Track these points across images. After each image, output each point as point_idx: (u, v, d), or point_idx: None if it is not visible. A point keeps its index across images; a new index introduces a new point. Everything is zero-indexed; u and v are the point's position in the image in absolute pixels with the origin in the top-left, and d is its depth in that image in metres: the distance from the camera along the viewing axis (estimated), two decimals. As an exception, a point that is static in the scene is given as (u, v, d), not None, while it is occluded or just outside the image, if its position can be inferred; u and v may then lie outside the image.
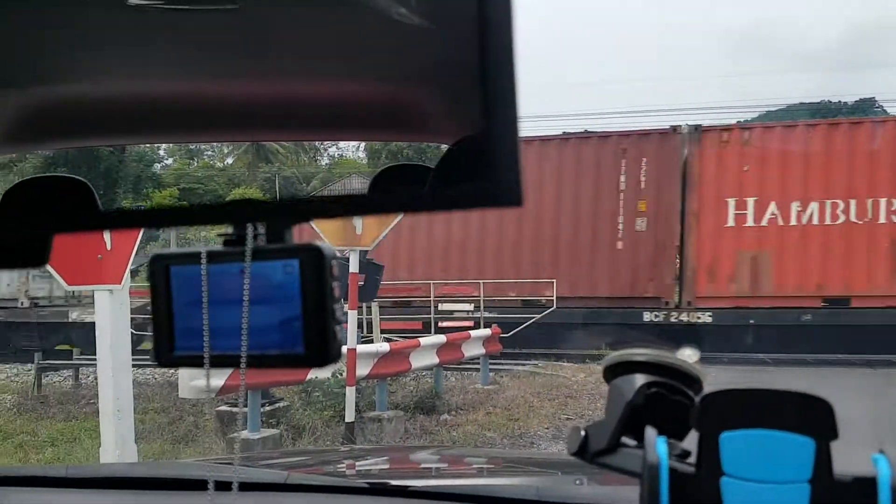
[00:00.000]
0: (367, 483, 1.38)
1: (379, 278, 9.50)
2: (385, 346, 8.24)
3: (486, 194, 0.49)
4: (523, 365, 12.68)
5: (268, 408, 7.54)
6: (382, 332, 12.49)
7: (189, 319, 0.63)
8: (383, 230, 6.79)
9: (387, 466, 1.94)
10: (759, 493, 0.79)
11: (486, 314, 13.91)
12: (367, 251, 7.77)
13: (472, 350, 10.45)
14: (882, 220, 12.96)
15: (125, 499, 1.35)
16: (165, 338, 0.64)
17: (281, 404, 8.01)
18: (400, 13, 0.55)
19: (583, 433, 0.92)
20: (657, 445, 0.81)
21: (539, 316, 14.00)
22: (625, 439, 0.89)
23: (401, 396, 9.24)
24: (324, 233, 6.87)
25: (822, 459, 0.79)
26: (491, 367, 11.37)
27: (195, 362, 0.63)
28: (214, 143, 34.45)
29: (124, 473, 1.53)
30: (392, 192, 0.62)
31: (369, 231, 6.68)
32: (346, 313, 7.50)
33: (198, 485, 1.23)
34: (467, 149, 0.50)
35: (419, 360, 8.79)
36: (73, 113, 0.84)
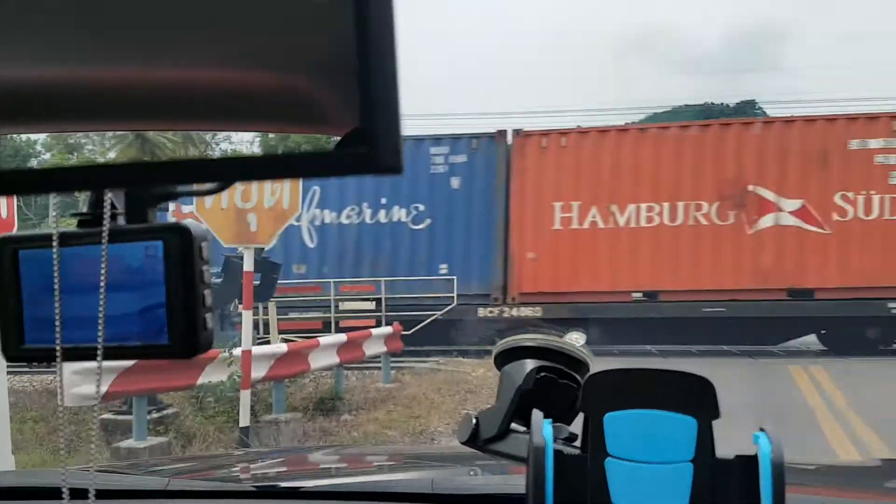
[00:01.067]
0: (256, 486, 1.32)
1: (276, 277, 9.28)
2: (282, 347, 8.05)
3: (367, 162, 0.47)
4: (424, 362, 12.72)
5: (155, 415, 7.27)
6: (280, 332, 12.21)
7: (40, 308, 0.57)
8: (280, 227, 6.61)
9: (282, 469, 1.89)
10: (643, 473, 0.79)
11: (388, 312, 13.87)
12: (262, 249, 7.57)
13: (374, 348, 10.38)
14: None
15: None
16: (14, 329, 0.57)
17: (170, 411, 7.69)
18: None
19: (474, 421, 0.91)
20: (543, 429, 0.80)
21: (440, 313, 14.07)
22: (515, 425, 0.88)
23: (299, 398, 9.06)
24: (215, 230, 6.63)
25: (705, 439, 0.79)
26: (393, 364, 11.34)
27: (47, 356, 0.57)
28: (95, 136, 32.83)
29: None
30: (270, 156, 0.58)
31: (265, 228, 6.49)
32: (240, 313, 7.28)
33: (54, 493, 1.15)
34: (354, 141, 0.48)
35: (318, 361, 8.63)
36: None
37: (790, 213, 13.53)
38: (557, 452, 0.81)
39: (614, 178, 14.04)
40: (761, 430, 0.80)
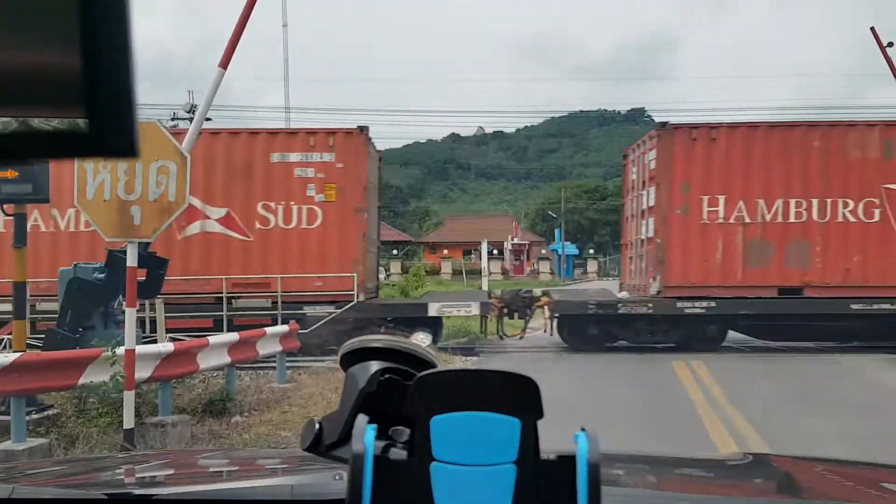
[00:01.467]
0: (107, 494, 1.22)
1: (163, 273, 8.87)
2: (169, 346, 7.70)
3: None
4: (322, 361, 12.51)
5: (35, 416, 6.94)
6: (168, 331, 11.72)
7: None
8: (165, 220, 6.30)
9: (152, 473, 1.79)
10: (467, 476, 0.78)
11: (285, 311, 13.57)
12: (147, 243, 7.23)
13: (268, 348, 10.12)
14: None
15: None
16: None
17: (51, 412, 7.33)
18: None
19: (317, 426, 0.88)
20: (364, 435, 0.79)
21: (340, 311, 13.89)
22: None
23: (188, 400, 8.71)
24: (96, 223, 6.29)
25: (528, 439, 0.79)
26: (289, 364, 11.10)
27: None
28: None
29: None
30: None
31: (149, 221, 6.18)
32: (123, 311, 6.94)
33: None
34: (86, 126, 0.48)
35: (208, 360, 8.32)
36: None
37: (216, 220, 14.23)
38: (382, 458, 0.79)
39: None
40: (582, 429, 0.80)
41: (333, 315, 13.76)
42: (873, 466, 1.84)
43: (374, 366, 0.87)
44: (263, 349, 9.92)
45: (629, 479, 1.49)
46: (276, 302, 13.85)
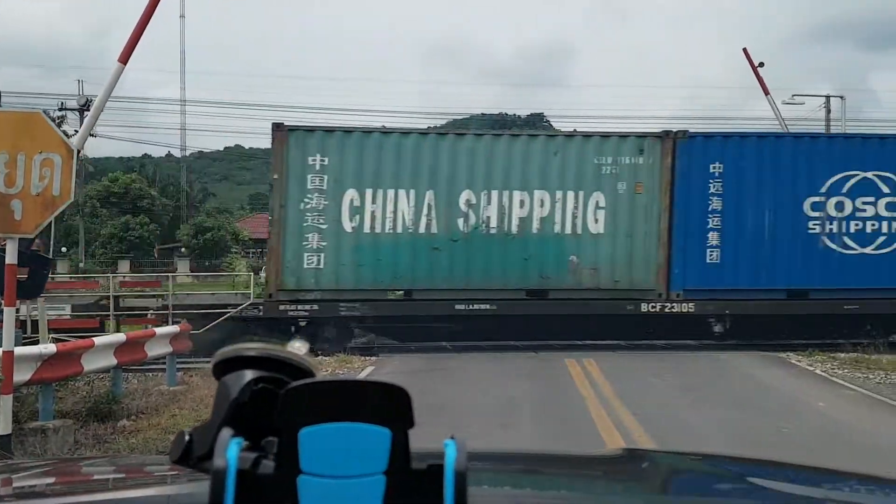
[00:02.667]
0: None
1: (47, 273, 8.44)
2: (51, 348, 7.34)
3: None
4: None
5: None
6: (51, 331, 11.14)
7: None
8: (48, 216, 6.01)
9: (33, 483, 1.70)
10: (335, 489, 0.77)
11: (177, 310, 13.14)
12: (30, 240, 6.87)
13: (158, 349, 9.78)
14: None
15: None
16: None
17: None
18: None
19: (187, 437, 0.85)
20: (226, 449, 0.77)
21: (236, 310, 13.57)
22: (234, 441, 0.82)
23: (71, 403, 8.32)
24: (-29, 217, 5.93)
25: (399, 449, 0.78)
26: (180, 366, 10.75)
27: None
28: None
29: None
30: None
31: (31, 216, 5.88)
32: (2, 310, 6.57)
33: None
34: None
35: (93, 362, 7.97)
36: None
37: None
38: (248, 472, 0.77)
39: None
40: (452, 437, 0.80)
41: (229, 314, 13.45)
42: (741, 462, 1.89)
43: (248, 375, 0.83)
44: (152, 350, 9.59)
45: (498, 479, 1.52)
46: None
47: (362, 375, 11.39)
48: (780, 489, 1.55)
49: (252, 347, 0.85)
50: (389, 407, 0.78)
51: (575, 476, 1.65)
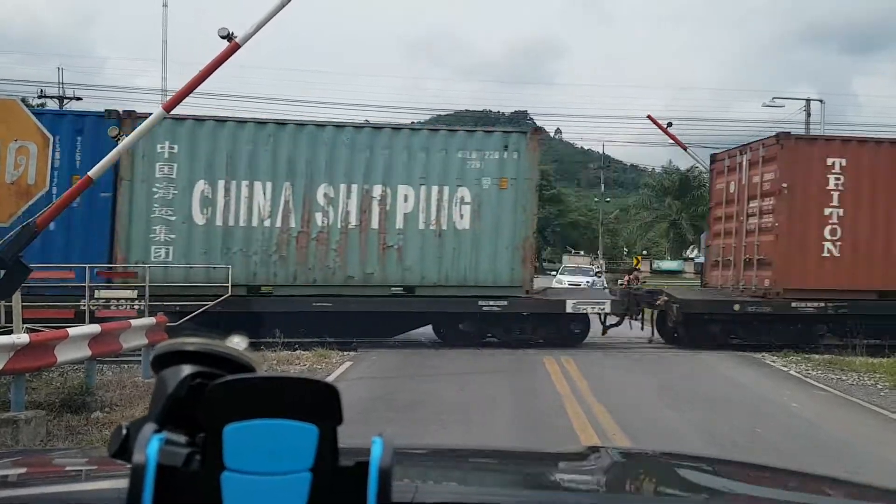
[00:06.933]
0: None
1: (22, 279, 8.28)
2: (24, 338, 7.25)
3: None
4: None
5: None
6: (25, 321, 10.98)
7: None
8: (23, 205, 5.94)
9: (7, 472, 1.68)
10: (260, 486, 0.76)
11: (153, 302, 12.98)
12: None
13: (133, 341, 9.69)
14: None
15: None
16: None
17: None
18: None
19: (124, 431, 0.85)
20: (147, 445, 0.76)
21: (212, 304, 13.44)
22: (172, 436, 0.82)
23: (44, 394, 8.24)
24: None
25: (326, 446, 0.78)
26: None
27: None
28: None
29: None
30: None
31: (5, 205, 5.81)
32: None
33: None
34: None
35: (67, 353, 7.88)
36: None
37: None
38: (169, 469, 0.76)
39: None
40: (379, 435, 0.80)
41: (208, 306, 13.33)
42: (714, 461, 1.91)
43: (186, 369, 0.83)
44: (128, 342, 9.51)
45: (447, 475, 1.51)
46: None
47: (338, 372, 11.36)
48: (739, 490, 1.56)
49: (191, 342, 0.85)
50: (317, 404, 0.78)
51: (530, 472, 1.65)
